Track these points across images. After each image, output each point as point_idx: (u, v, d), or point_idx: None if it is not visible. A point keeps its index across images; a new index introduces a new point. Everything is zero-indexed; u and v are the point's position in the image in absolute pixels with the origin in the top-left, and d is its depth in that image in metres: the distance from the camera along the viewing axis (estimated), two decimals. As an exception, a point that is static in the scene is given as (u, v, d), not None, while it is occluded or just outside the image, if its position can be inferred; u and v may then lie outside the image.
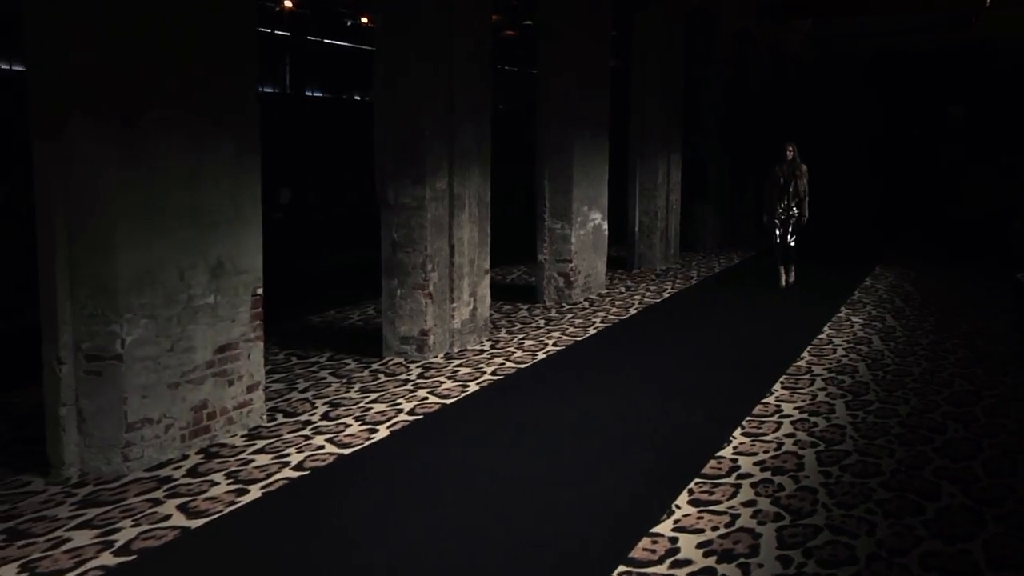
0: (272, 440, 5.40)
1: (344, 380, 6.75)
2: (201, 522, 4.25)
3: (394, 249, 7.36)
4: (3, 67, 12.64)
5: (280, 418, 5.82)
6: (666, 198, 12.95)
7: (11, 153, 9.50)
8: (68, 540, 4.05)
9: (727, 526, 4.04)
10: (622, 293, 10.71)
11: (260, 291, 5.61)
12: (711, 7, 14.42)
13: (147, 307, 4.83)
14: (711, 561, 3.70)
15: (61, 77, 4.57)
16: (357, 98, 23.28)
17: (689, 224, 14.30)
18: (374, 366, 7.16)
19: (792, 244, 10.61)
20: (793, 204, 10.48)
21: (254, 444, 5.33)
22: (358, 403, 6.16)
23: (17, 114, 5.88)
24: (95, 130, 4.61)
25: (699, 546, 3.84)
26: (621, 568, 3.65)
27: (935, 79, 21.55)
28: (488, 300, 8.24)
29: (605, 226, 10.79)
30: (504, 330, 8.53)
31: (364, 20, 19.74)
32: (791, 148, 10.45)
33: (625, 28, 12.48)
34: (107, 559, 3.86)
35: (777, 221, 10.63)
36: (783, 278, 10.74)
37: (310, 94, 23.84)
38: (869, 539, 3.89)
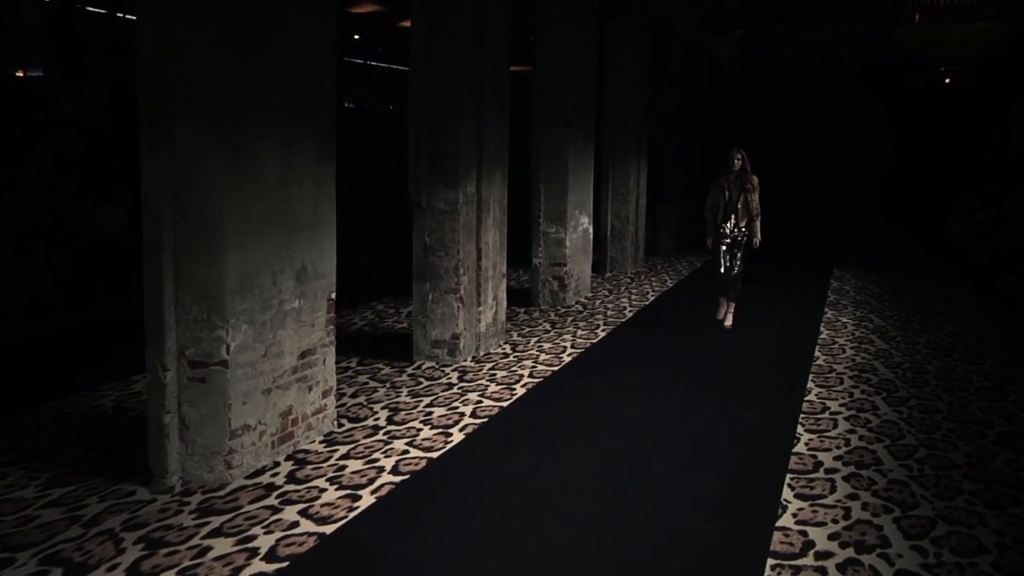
0: (352, 445, 5.41)
1: (387, 384, 6.77)
2: (333, 528, 4.26)
3: (426, 253, 7.42)
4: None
5: (347, 424, 5.83)
6: (636, 203, 13.31)
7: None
8: (210, 548, 4.01)
9: (845, 519, 4.30)
10: (607, 296, 10.98)
11: (333, 296, 5.61)
12: (668, 16, 14.87)
13: (247, 312, 4.80)
14: (850, 552, 3.94)
15: (171, 84, 4.51)
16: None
17: (649, 228, 14.70)
18: (409, 370, 7.20)
19: (737, 272, 8.64)
20: (742, 224, 8.48)
21: (336, 450, 5.33)
22: (415, 407, 6.20)
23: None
24: (206, 134, 4.56)
25: (830, 538, 4.08)
26: (771, 561, 3.86)
27: (858, 89, 22.73)
28: (505, 303, 8.36)
29: (591, 230, 11.05)
30: (515, 333, 8.66)
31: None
32: (739, 155, 8.35)
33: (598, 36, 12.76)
34: (261, 566, 3.85)
35: (723, 245, 8.59)
36: (722, 310, 8.86)
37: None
38: (984, 528, 4.21)
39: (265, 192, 4.91)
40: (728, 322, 8.72)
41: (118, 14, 15.84)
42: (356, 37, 21.84)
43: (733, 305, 8.83)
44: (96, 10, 15.70)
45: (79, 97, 11.03)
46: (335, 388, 5.74)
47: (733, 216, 8.47)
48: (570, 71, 10.12)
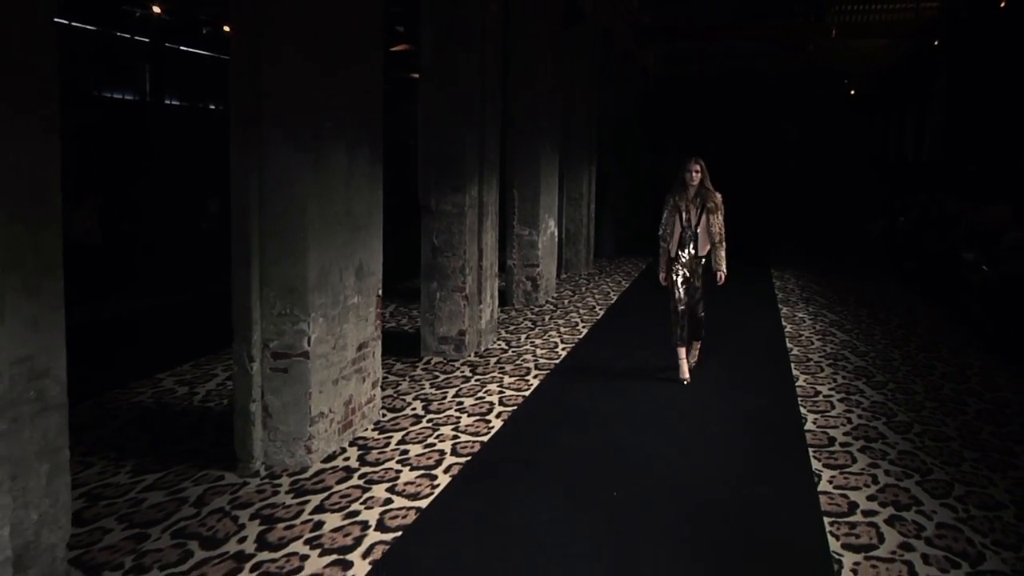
0: (403, 432, 5.78)
1: (406, 378, 7.14)
2: (426, 502, 4.64)
3: (434, 254, 7.81)
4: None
5: (388, 414, 6.18)
6: (587, 207, 13.94)
7: None
8: (323, 522, 4.36)
9: (874, 483, 4.93)
10: (572, 296, 11.55)
11: (380, 292, 5.97)
12: (611, 29, 15.58)
13: (323, 307, 5.14)
14: (891, 510, 4.54)
15: (261, 93, 4.81)
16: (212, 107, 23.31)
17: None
18: (420, 366, 7.58)
19: (698, 315, 7.14)
20: (703, 253, 6.88)
21: (391, 436, 5.70)
22: (443, 398, 6.59)
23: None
24: (291, 141, 4.88)
25: (868, 499, 4.70)
26: (827, 519, 4.44)
27: (772, 99, 24.17)
28: (498, 301, 8.81)
29: (557, 233, 11.60)
30: (503, 331, 9.11)
31: (227, 29, 19.51)
32: (697, 167, 6.72)
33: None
34: (377, 535, 4.22)
35: (679, 280, 6.89)
36: (683, 366, 7.00)
37: (168, 102, 23.52)
38: (996, 488, 4.90)
39: (335, 195, 5.26)
40: (686, 375, 6.97)
41: (75, 24, 15.79)
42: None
43: (696, 352, 7.37)
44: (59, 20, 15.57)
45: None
46: (381, 380, 6.10)
47: (692, 243, 6.81)
48: (540, 80, 10.64)
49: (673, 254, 6.91)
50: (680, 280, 6.90)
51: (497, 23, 8.27)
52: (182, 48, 23.89)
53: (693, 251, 6.88)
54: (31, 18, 3.02)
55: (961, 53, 16.50)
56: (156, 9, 19.95)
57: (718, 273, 6.87)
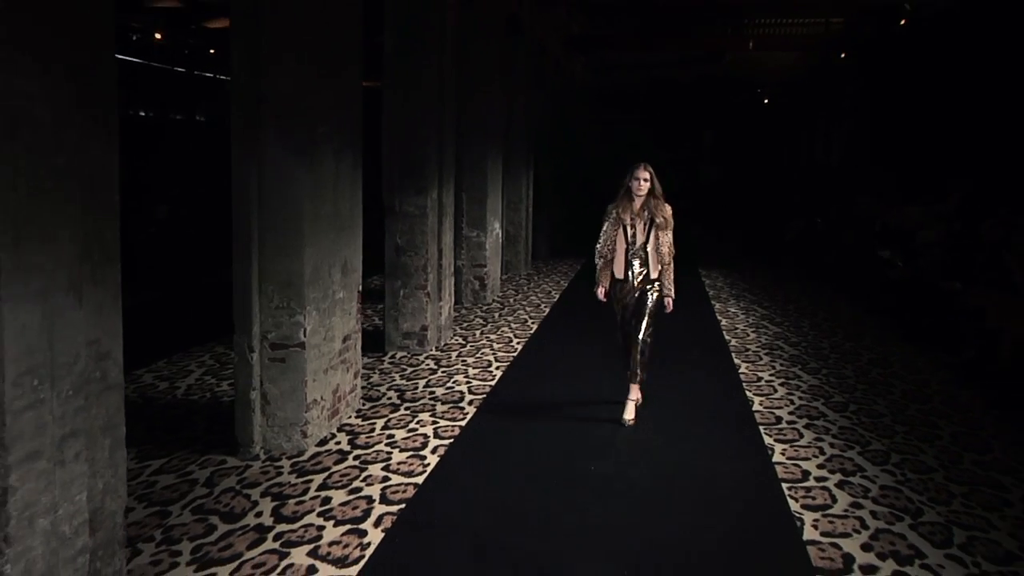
0: (385, 419, 6.15)
1: (376, 371, 7.49)
2: (421, 478, 5.04)
3: (398, 253, 8.19)
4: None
5: (367, 403, 6.54)
6: (526, 211, 14.45)
7: None
8: (331, 498, 4.71)
9: (822, 454, 5.52)
10: (516, 295, 12.03)
11: (360, 288, 6.33)
12: (546, 39, 16.15)
13: (316, 300, 5.49)
14: (839, 476, 5.11)
15: (260, 98, 5.15)
16: (179, 117, 23.09)
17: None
18: (386, 360, 7.94)
19: (646, 339, 6.05)
20: (652, 272, 5.98)
21: (374, 423, 6.07)
22: (415, 388, 6.98)
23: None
24: (288, 145, 5.22)
25: (819, 467, 5.29)
26: (785, 486, 4.99)
27: (693, 107, 25.25)
28: (453, 299, 9.23)
29: (502, 234, 12.07)
30: (457, 327, 9.53)
31: (157, 36, 19.40)
32: (647, 175, 5.91)
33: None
34: (384, 508, 4.60)
35: (621, 302, 6.12)
36: (630, 404, 6.15)
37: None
38: (926, 454, 5.56)
39: (325, 196, 5.61)
40: (631, 416, 6.10)
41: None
42: (211, 51, 21.84)
43: (637, 388, 6.19)
44: None
45: None
46: (361, 371, 6.45)
47: (637, 261, 5.96)
48: (487, 89, 11.10)
49: (619, 275, 6.03)
50: (623, 306, 6.09)
51: (456, 34, 8.70)
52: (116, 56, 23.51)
53: (640, 272, 5.97)
54: (106, 40, 3.33)
55: (866, 65, 17.76)
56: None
57: (666, 299, 6.02)
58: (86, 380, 3.27)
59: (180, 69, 22.63)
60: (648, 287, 6.00)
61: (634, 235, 5.94)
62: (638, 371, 6.07)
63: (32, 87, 2.98)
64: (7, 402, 2.94)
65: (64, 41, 3.09)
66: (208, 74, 23.92)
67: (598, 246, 6.09)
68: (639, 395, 6.23)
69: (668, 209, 5.93)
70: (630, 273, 6.00)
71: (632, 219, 5.94)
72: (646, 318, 6.00)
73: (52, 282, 3.10)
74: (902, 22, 15.07)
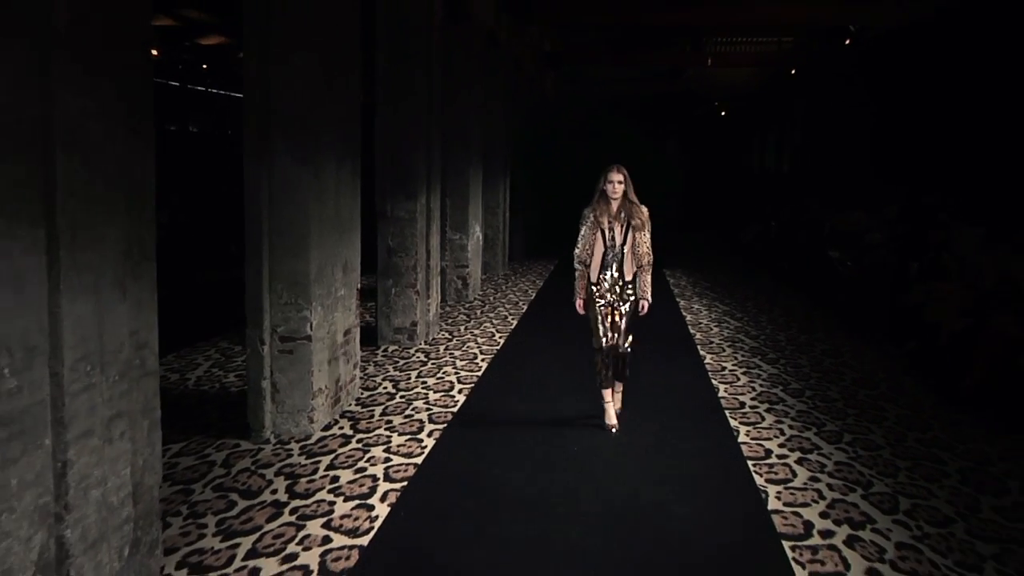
0: (383, 407, 6.63)
1: (370, 364, 7.96)
2: (419, 459, 5.52)
3: (389, 254, 8.67)
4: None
5: (364, 392, 7.02)
6: (503, 215, 14.98)
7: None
8: (339, 476, 5.19)
9: (783, 435, 6.07)
10: (496, 294, 12.54)
11: (359, 286, 6.80)
12: (521, 54, 16.68)
13: (321, 297, 5.96)
14: (799, 454, 5.67)
15: (270, 112, 5.61)
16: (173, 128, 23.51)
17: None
18: (379, 353, 8.41)
19: (626, 348, 6.05)
20: (628, 276, 5.93)
21: (372, 410, 6.54)
22: (408, 379, 7.46)
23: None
24: (295, 154, 5.68)
25: (780, 447, 5.84)
26: (751, 463, 5.53)
27: (655, 119, 26.32)
28: (439, 297, 9.72)
29: (481, 237, 12.57)
30: (442, 324, 10.02)
31: (154, 52, 19.78)
32: (620, 178, 5.79)
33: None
34: (388, 485, 5.07)
35: (599, 309, 5.97)
36: (610, 409, 6.19)
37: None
38: (875, 434, 6.14)
39: (328, 201, 6.08)
40: (613, 420, 6.15)
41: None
42: (204, 67, 22.25)
43: (619, 394, 6.32)
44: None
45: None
46: (360, 362, 6.93)
47: (615, 265, 5.90)
48: (469, 99, 11.60)
49: (594, 279, 5.94)
50: (601, 312, 5.96)
51: (441, 51, 9.18)
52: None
53: (617, 275, 5.91)
54: (147, 59, 3.78)
55: (813, 81, 18.86)
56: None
57: (642, 302, 5.96)
58: (129, 367, 3.72)
59: (174, 83, 22.98)
60: (624, 292, 5.94)
61: (612, 238, 5.85)
62: (620, 379, 6.19)
63: (89, 104, 3.40)
64: (66, 385, 3.37)
65: (115, 61, 3.52)
66: (200, 88, 24.29)
67: (577, 251, 5.93)
68: (618, 401, 6.34)
69: (645, 211, 5.88)
70: (608, 276, 5.92)
71: (610, 222, 5.84)
72: (625, 322, 5.97)
73: (101, 278, 3.53)
74: (847, 42, 16.05)
